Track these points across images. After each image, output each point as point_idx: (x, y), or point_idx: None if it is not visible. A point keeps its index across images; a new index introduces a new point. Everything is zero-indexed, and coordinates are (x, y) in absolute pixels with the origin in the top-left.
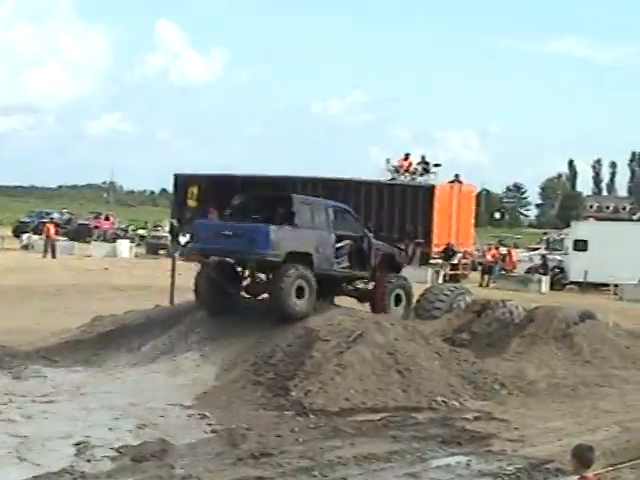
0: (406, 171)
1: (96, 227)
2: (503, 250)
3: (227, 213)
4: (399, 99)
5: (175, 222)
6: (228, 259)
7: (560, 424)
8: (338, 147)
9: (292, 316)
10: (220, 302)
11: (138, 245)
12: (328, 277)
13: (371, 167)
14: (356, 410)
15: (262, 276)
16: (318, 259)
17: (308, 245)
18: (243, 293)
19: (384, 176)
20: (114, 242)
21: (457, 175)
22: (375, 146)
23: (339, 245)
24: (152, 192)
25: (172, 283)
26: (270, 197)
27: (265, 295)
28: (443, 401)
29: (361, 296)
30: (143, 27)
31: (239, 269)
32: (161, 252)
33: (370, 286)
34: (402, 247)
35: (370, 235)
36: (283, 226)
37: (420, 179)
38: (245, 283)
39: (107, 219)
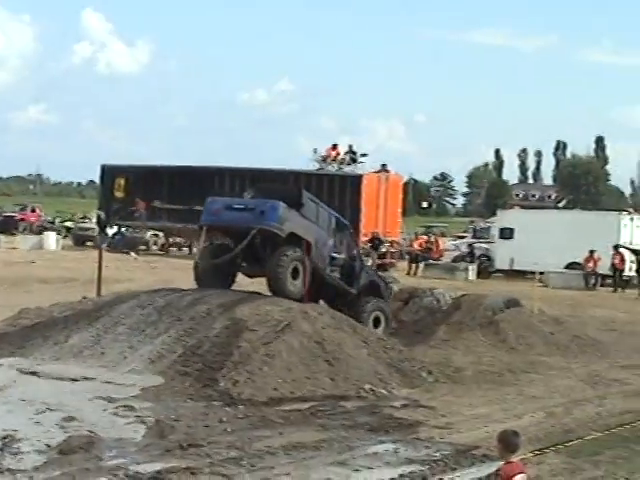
0: (333, 161)
1: (22, 219)
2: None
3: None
4: (326, 88)
5: (102, 214)
6: (232, 234)
7: (486, 410)
8: (265, 137)
9: (286, 295)
10: (220, 283)
11: (65, 237)
12: (320, 277)
13: (298, 157)
14: (284, 399)
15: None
16: (315, 252)
17: (310, 234)
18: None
19: (312, 166)
20: (41, 234)
21: (384, 165)
22: (302, 136)
23: (334, 255)
24: (79, 184)
25: (99, 275)
26: (280, 191)
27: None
28: (371, 389)
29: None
30: (69, 17)
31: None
32: (88, 244)
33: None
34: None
35: (364, 259)
36: (292, 209)
37: (347, 169)
38: (243, 264)
39: (33, 211)
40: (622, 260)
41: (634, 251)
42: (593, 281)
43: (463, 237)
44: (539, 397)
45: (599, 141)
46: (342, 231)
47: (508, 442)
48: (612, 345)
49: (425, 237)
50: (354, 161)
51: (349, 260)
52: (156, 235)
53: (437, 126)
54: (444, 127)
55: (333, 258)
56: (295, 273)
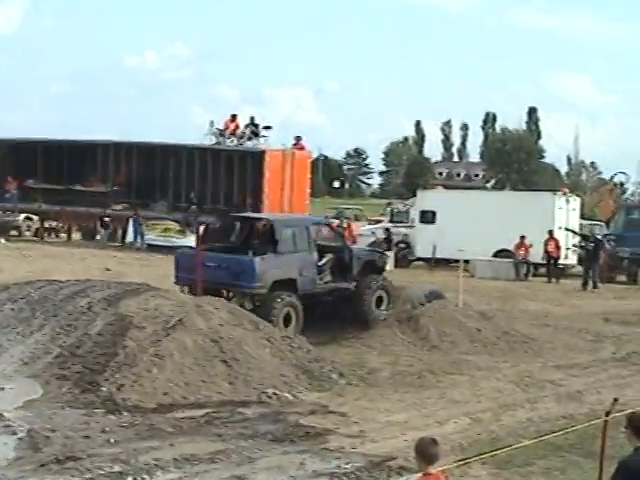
0: (232, 134)
1: None
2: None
3: (207, 235)
4: (225, 52)
5: None
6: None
7: (404, 417)
8: (156, 107)
9: None
10: None
11: None
12: (312, 295)
13: (193, 130)
14: (176, 406)
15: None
16: (302, 282)
17: (292, 271)
18: None
19: (208, 140)
20: None
21: (298, 138)
22: (198, 106)
23: (321, 262)
24: None
25: None
26: (251, 220)
27: None
28: (274, 393)
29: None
30: None
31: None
32: None
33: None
34: (374, 249)
35: (353, 247)
36: (266, 255)
37: (249, 143)
38: None
39: None
40: (557, 247)
41: (583, 235)
42: (525, 270)
43: (379, 221)
44: (464, 401)
45: (532, 113)
46: (323, 232)
47: (425, 452)
48: (545, 342)
49: (336, 221)
50: (256, 135)
51: (337, 256)
52: (29, 219)
53: (351, 96)
54: (358, 97)
55: (320, 266)
56: (287, 318)
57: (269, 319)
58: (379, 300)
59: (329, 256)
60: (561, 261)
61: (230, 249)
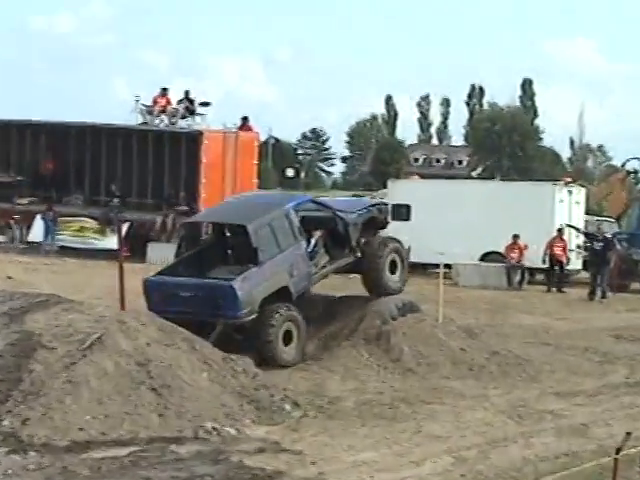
0: (163, 112)
1: None
2: None
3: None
4: (153, 13)
5: None
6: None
7: (373, 455)
8: (71, 78)
9: (280, 363)
10: None
11: None
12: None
13: (116, 107)
14: (94, 444)
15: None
16: (295, 285)
17: (281, 278)
18: None
19: (134, 119)
20: None
21: (245, 119)
22: (121, 78)
23: (311, 246)
24: None
25: None
26: (225, 226)
27: None
28: (214, 428)
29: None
30: None
31: None
32: None
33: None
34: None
35: (342, 214)
36: (246, 271)
37: (182, 123)
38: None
39: None
40: (565, 249)
41: (589, 234)
42: (519, 277)
43: None
44: (445, 436)
45: (526, 86)
46: (306, 210)
47: None
48: (544, 364)
49: None
50: (192, 113)
51: (327, 230)
52: None
53: (307, 65)
54: (317, 67)
55: (310, 251)
56: (288, 335)
57: (266, 341)
58: (392, 265)
59: (317, 234)
60: (568, 266)
61: (200, 267)
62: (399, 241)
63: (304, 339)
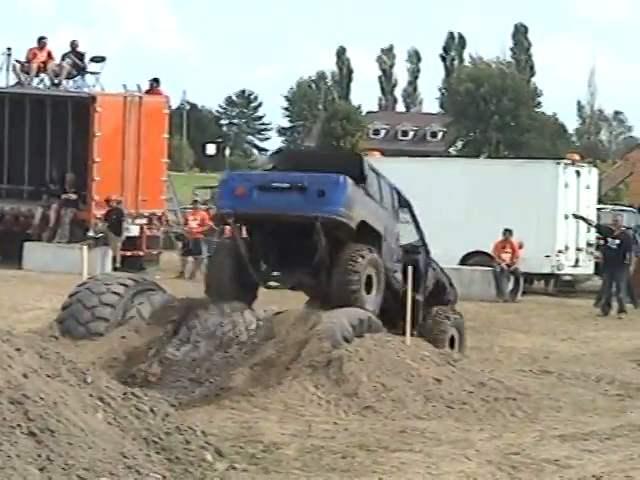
0: (42, 70)
1: None
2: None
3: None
4: None
5: None
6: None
7: None
8: None
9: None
10: (242, 295)
11: None
12: (387, 284)
13: None
14: None
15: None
16: (385, 249)
17: (379, 223)
18: None
19: (5, 81)
20: None
21: (155, 80)
22: None
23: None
24: None
25: None
26: (330, 159)
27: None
28: None
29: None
30: None
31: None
32: None
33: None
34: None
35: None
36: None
37: (68, 85)
38: (275, 272)
39: None
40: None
41: (602, 228)
42: (512, 285)
43: None
44: None
45: (519, 35)
46: (404, 212)
47: None
48: (544, 399)
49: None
50: (81, 71)
51: (409, 253)
52: None
53: (232, 9)
54: (244, 10)
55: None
56: (369, 283)
57: (348, 279)
58: (451, 342)
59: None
60: (571, 270)
61: None
62: (460, 319)
63: (383, 290)
